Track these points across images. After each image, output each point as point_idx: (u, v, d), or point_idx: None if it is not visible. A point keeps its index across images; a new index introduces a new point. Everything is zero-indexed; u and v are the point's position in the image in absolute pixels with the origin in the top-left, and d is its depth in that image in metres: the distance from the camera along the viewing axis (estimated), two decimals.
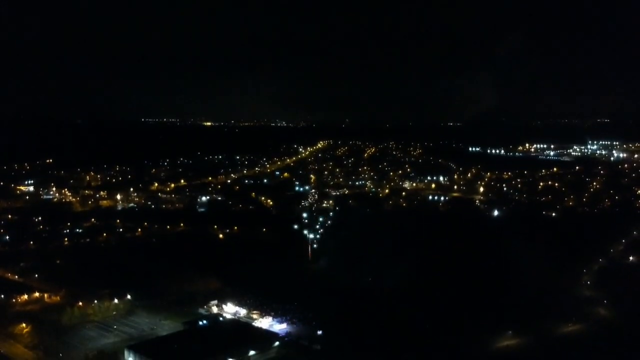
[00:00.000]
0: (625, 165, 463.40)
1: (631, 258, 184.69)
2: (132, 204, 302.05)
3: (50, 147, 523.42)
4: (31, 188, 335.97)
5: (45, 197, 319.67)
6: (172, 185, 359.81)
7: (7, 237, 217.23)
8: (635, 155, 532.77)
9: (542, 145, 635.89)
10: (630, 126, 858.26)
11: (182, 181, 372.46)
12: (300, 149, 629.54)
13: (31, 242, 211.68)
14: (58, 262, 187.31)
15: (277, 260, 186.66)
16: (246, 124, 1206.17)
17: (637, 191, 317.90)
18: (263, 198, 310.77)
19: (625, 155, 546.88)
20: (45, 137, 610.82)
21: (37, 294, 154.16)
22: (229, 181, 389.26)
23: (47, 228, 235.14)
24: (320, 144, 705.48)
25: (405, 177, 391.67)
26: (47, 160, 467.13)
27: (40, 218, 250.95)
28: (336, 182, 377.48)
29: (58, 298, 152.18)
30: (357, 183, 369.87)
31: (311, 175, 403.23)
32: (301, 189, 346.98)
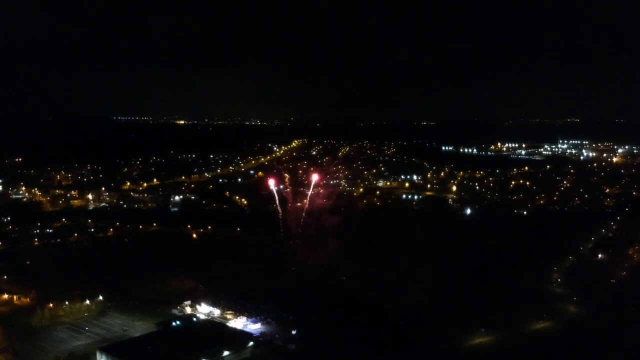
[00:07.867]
0: (595, 164, 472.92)
1: (600, 255, 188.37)
2: (103, 204, 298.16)
3: (19, 145, 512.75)
4: (0, 187, 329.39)
5: (14, 196, 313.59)
6: (145, 184, 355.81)
7: None
8: (604, 154, 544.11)
9: (513, 145, 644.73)
10: (599, 125, 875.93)
11: (155, 180, 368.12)
12: (275, 148, 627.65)
13: (0, 243, 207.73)
14: (28, 262, 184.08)
15: (251, 260, 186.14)
16: (220, 122, 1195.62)
17: (605, 190, 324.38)
18: (237, 197, 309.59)
19: (594, 154, 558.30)
20: (14, 135, 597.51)
21: (6, 296, 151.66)
22: (202, 180, 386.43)
23: (17, 228, 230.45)
24: (295, 142, 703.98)
25: (380, 176, 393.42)
26: (17, 159, 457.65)
27: (9, 218, 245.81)
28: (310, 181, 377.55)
29: (28, 299, 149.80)
30: (331, 182, 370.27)
31: (286, 174, 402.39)
32: (276, 188, 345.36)
